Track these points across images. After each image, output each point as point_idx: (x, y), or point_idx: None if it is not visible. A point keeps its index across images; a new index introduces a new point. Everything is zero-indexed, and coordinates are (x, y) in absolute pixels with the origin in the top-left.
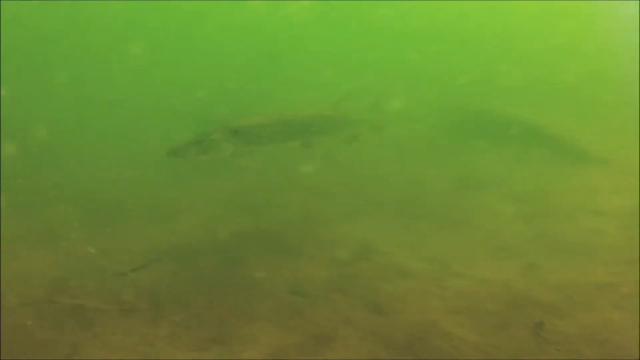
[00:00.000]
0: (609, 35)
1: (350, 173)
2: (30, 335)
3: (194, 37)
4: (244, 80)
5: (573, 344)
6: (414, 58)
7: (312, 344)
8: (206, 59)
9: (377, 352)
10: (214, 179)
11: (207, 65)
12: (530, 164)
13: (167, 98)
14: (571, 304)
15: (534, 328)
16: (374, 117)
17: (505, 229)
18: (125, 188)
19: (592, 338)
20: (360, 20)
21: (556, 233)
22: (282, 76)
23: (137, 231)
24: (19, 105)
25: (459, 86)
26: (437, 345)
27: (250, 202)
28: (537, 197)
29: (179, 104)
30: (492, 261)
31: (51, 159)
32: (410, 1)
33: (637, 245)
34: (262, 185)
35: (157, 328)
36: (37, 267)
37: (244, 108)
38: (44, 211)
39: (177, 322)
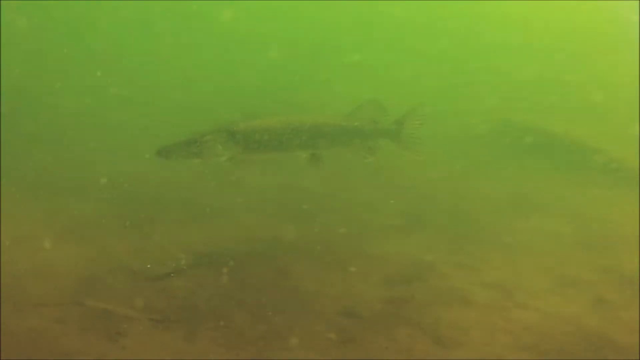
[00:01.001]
0: None
1: (393, 186)
2: (53, 341)
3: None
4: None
5: None
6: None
7: None
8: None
9: None
10: (252, 180)
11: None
12: (583, 186)
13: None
14: None
15: None
16: (399, 130)
17: (566, 256)
18: (160, 184)
19: None
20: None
21: (621, 263)
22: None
23: (172, 232)
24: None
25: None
26: None
27: (292, 208)
28: (594, 221)
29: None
30: (557, 292)
31: (80, 151)
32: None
33: None
34: (302, 191)
35: (191, 344)
36: (62, 263)
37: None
38: (71, 203)
39: (215, 338)
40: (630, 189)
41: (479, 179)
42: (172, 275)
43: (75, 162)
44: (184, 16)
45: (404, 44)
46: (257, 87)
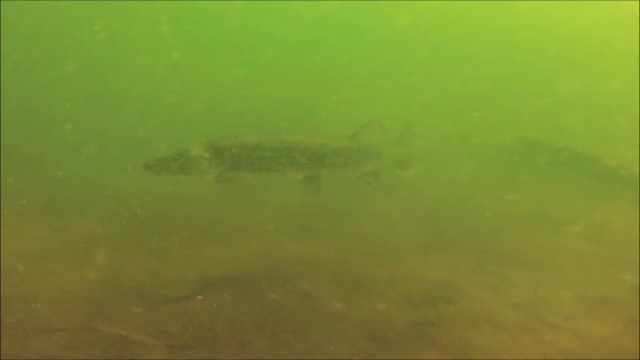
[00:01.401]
0: None
1: (412, 201)
2: None
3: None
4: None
5: None
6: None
7: None
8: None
9: None
10: (267, 198)
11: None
12: (606, 201)
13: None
14: None
15: None
16: (401, 152)
17: (593, 275)
18: (173, 201)
19: None
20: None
21: None
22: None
23: (186, 252)
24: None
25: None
26: None
27: (309, 227)
28: (619, 237)
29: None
30: (587, 312)
31: (87, 164)
32: None
33: None
34: (319, 208)
35: None
36: (73, 284)
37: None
38: (82, 222)
39: None
40: None
41: (497, 194)
42: (188, 298)
43: (83, 177)
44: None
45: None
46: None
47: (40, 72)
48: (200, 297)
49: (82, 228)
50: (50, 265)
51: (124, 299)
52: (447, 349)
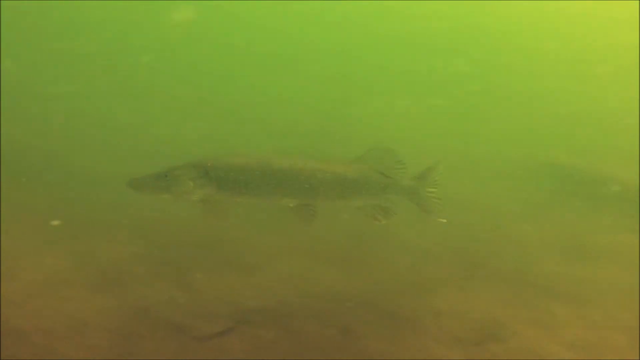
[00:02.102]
0: None
1: (442, 229)
2: None
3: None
4: None
5: None
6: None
7: None
8: None
9: None
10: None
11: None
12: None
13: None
14: None
15: None
16: (419, 188)
17: None
18: (196, 224)
19: None
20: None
21: None
22: None
23: (214, 281)
24: None
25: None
26: None
27: (342, 253)
28: None
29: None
30: None
31: (103, 180)
32: None
33: None
34: (346, 234)
35: None
36: (94, 316)
37: None
38: (100, 245)
39: None
40: None
41: (527, 222)
42: (223, 334)
43: (100, 196)
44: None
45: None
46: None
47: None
48: (234, 334)
49: (102, 251)
50: (68, 292)
51: (152, 333)
52: None
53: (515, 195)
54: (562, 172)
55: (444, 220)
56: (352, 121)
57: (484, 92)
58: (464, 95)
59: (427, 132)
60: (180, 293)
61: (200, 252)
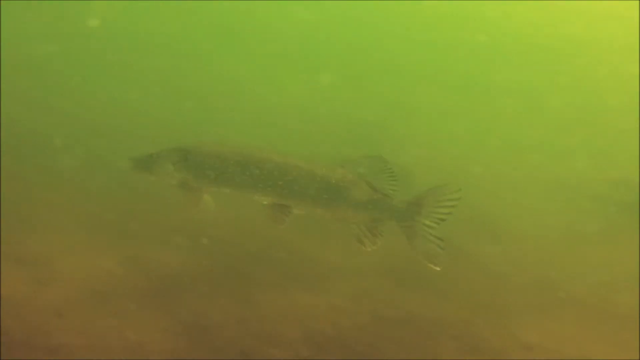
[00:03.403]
0: None
1: (511, 245)
2: None
3: None
4: None
5: None
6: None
7: None
8: None
9: None
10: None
11: None
12: None
13: None
14: None
15: None
16: (412, 215)
17: None
18: (252, 232)
19: None
20: None
21: None
22: None
23: (274, 298)
24: None
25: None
26: None
27: (408, 273)
28: None
29: None
30: None
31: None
32: None
33: None
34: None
35: None
36: (151, 334)
37: None
38: (151, 255)
39: None
40: None
41: (602, 243)
42: None
43: (147, 199)
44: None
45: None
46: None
47: None
48: None
49: (152, 258)
50: (119, 305)
51: (213, 357)
52: None
53: (588, 213)
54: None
55: (437, 268)
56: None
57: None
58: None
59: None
60: (242, 310)
61: (260, 263)
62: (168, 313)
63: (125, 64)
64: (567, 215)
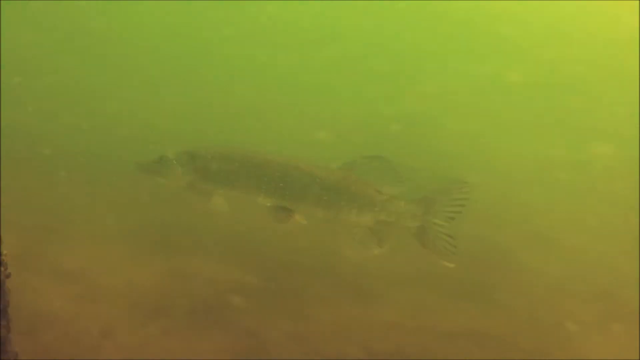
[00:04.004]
0: None
1: (568, 255)
2: None
3: None
4: None
5: None
6: None
7: None
8: None
9: None
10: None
11: None
12: None
13: None
14: None
15: None
16: (423, 216)
17: None
18: (302, 242)
19: None
20: None
21: None
22: None
23: (334, 313)
24: None
25: None
26: None
27: (464, 286)
28: None
29: None
30: None
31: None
32: None
33: None
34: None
35: None
36: (205, 355)
37: None
38: (197, 266)
39: None
40: None
41: None
42: None
43: (182, 208)
44: None
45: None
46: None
47: None
48: None
49: (198, 273)
50: (166, 324)
51: None
52: None
53: None
54: None
55: (451, 265)
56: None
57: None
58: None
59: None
60: (297, 327)
61: (307, 275)
62: (220, 331)
63: (141, 66)
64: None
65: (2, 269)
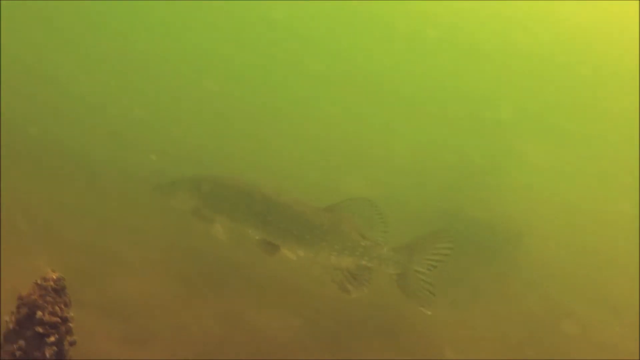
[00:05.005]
0: None
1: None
2: None
3: None
4: None
5: None
6: None
7: None
8: None
9: None
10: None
11: None
12: None
13: None
14: None
15: None
16: (405, 263)
17: None
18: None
19: None
20: None
21: None
22: None
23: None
24: None
25: None
26: None
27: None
28: None
29: None
30: None
31: None
32: None
33: None
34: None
35: None
36: None
37: None
38: (253, 312)
39: None
40: None
41: None
42: None
43: (230, 247)
44: None
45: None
46: None
47: None
48: None
49: (254, 318)
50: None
51: None
52: None
53: None
54: None
55: (429, 313)
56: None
57: None
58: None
59: None
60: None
61: (359, 325)
62: None
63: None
64: None
65: (68, 337)
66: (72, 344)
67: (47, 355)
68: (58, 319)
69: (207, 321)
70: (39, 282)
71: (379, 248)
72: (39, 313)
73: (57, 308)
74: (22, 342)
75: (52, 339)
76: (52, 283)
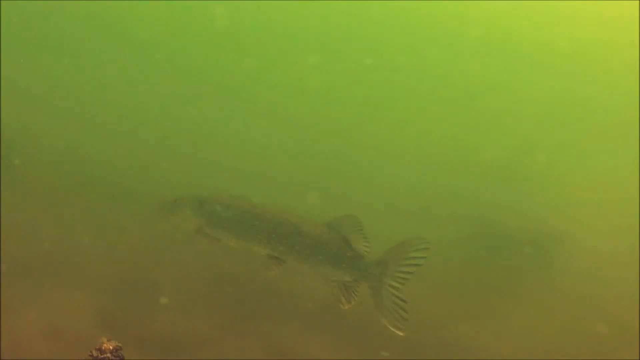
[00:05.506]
0: None
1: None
2: None
3: None
4: None
5: None
6: None
7: None
8: None
9: None
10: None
11: None
12: None
13: None
14: None
15: None
16: (379, 277)
17: None
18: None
19: None
20: None
21: None
22: None
23: None
24: None
25: None
26: None
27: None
28: None
29: None
30: None
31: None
32: None
33: None
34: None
35: None
36: None
37: None
38: (299, 346)
39: None
40: None
41: None
42: None
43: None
44: None
45: None
46: None
47: None
48: None
49: (304, 355)
50: None
51: None
52: None
53: None
54: None
55: (401, 334)
56: None
57: None
58: None
59: None
60: None
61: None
62: None
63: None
64: None
65: None
66: None
67: None
68: None
69: (253, 354)
70: (94, 354)
71: (360, 260)
72: None
73: None
74: None
75: None
76: (109, 355)
